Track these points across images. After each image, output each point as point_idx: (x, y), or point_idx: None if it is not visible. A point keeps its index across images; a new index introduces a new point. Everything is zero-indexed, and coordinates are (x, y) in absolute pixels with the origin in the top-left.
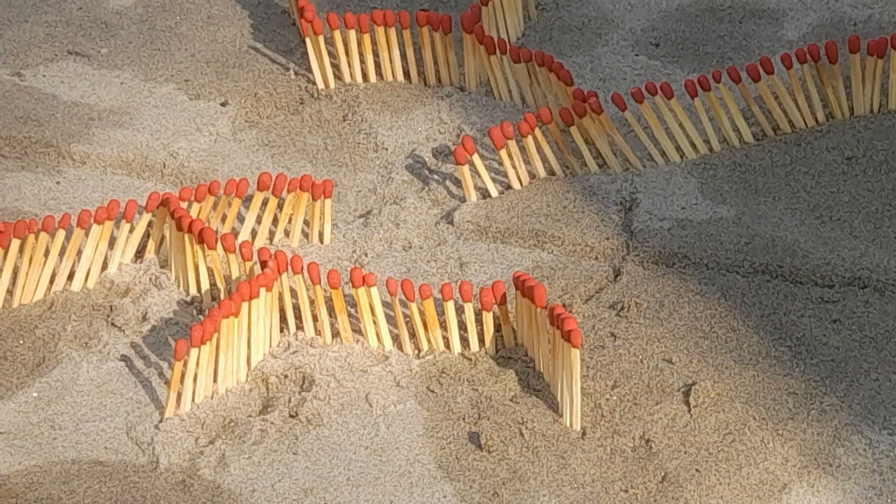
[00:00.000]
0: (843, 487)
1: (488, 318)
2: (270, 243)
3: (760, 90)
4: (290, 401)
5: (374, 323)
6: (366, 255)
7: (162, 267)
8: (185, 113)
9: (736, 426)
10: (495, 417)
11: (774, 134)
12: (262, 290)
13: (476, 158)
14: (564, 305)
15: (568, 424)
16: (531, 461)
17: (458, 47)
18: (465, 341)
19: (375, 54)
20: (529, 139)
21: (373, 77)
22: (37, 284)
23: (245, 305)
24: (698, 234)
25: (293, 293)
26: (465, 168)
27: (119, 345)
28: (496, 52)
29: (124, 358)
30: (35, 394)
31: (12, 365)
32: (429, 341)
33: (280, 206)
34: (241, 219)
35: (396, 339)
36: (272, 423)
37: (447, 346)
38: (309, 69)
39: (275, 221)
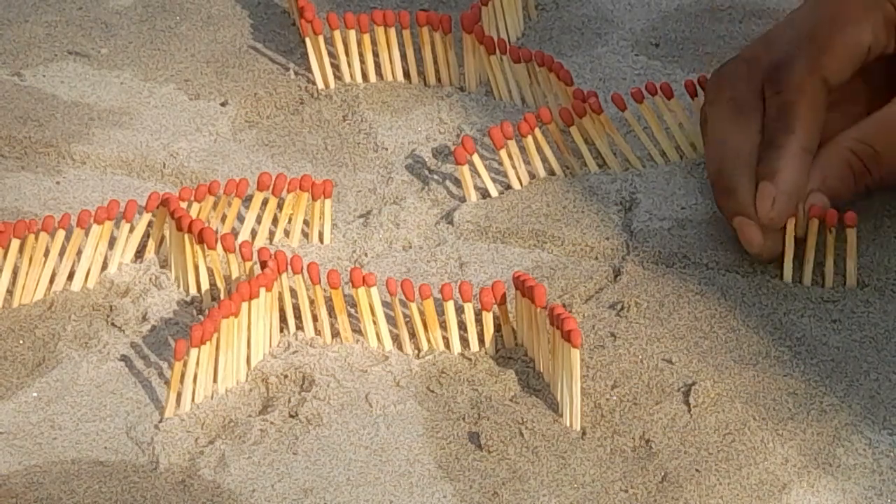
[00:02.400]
0: (843, 487)
1: (488, 318)
2: (270, 243)
3: None
4: (289, 401)
5: (374, 323)
6: (366, 255)
7: (162, 267)
8: (185, 113)
9: (736, 426)
10: (495, 417)
11: None
12: (262, 290)
13: (476, 158)
14: (564, 305)
15: (568, 424)
16: (531, 461)
17: (458, 47)
18: (464, 341)
19: (375, 54)
20: (529, 139)
21: (373, 77)
22: (37, 284)
23: (245, 305)
24: (698, 234)
25: (293, 293)
26: (465, 168)
27: (119, 345)
28: (496, 52)
29: (124, 358)
30: (35, 394)
31: (12, 365)
32: (429, 341)
33: (280, 206)
34: (240, 219)
35: (396, 339)
36: (272, 423)
37: (447, 346)
38: (309, 69)
39: (275, 221)
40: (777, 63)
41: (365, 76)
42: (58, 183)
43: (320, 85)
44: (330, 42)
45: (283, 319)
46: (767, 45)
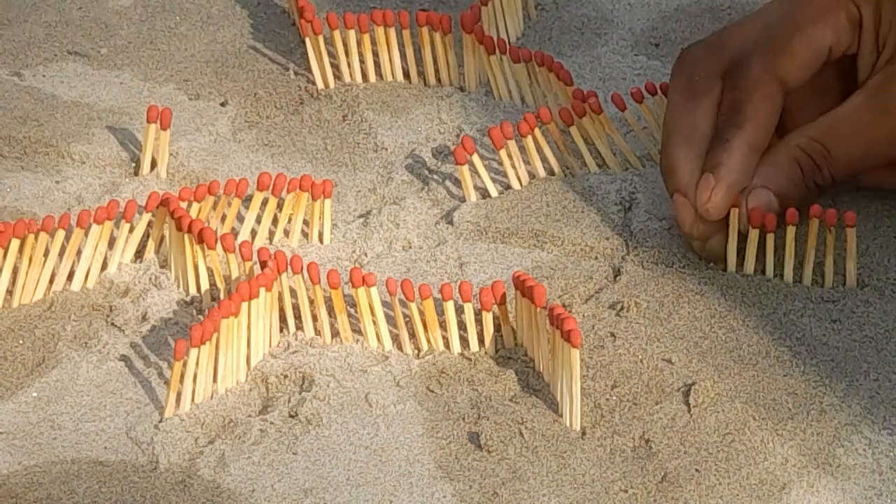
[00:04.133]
0: (842, 487)
1: (488, 318)
2: (270, 243)
3: None
4: (289, 401)
5: (374, 323)
6: (365, 255)
7: (162, 267)
8: (184, 113)
9: (736, 426)
10: (495, 417)
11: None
12: (262, 290)
13: (476, 158)
14: (564, 305)
15: (568, 424)
16: (531, 461)
17: (458, 47)
18: (464, 341)
19: (375, 54)
20: (529, 139)
21: (373, 77)
22: (36, 284)
23: (245, 305)
24: None
25: (293, 293)
26: (465, 168)
27: (119, 345)
28: (496, 52)
29: (124, 358)
30: (35, 394)
31: (12, 365)
32: (428, 341)
33: (280, 206)
34: (240, 219)
35: (396, 339)
36: (272, 423)
37: (447, 346)
38: (309, 69)
39: (274, 221)
40: (736, 60)
41: (365, 76)
42: (57, 182)
43: (320, 85)
44: (330, 42)
45: (282, 319)
46: (733, 36)
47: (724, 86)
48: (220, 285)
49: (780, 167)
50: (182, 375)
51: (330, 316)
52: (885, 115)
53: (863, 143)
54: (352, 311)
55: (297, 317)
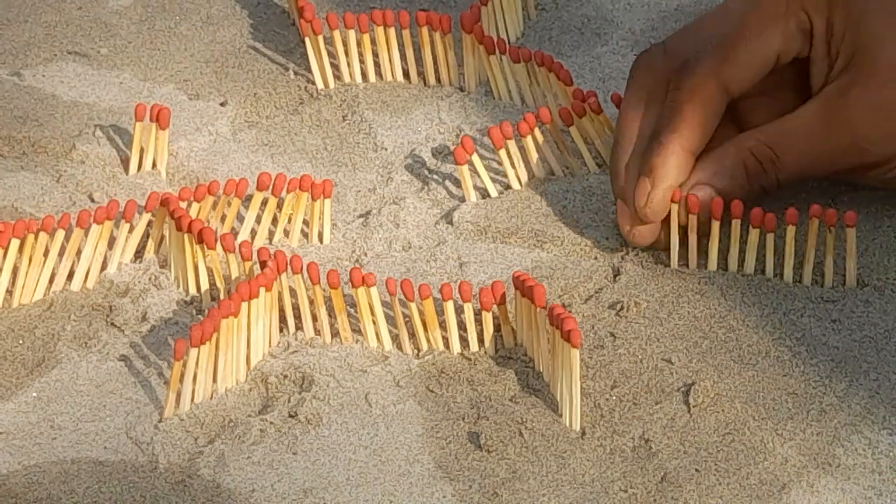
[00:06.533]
0: (842, 487)
1: (488, 318)
2: (270, 243)
3: None
4: (289, 401)
5: (374, 323)
6: (365, 255)
7: (161, 267)
8: (184, 113)
9: (735, 426)
10: (495, 417)
11: None
12: (262, 290)
13: (475, 158)
14: (564, 305)
15: (567, 424)
16: (531, 461)
17: (458, 47)
18: (464, 341)
19: (375, 54)
20: (529, 139)
21: (372, 77)
22: (36, 284)
23: (244, 305)
24: None
25: (292, 293)
26: (465, 168)
27: (118, 345)
28: (496, 52)
29: (124, 358)
30: (34, 394)
31: (12, 365)
32: (428, 341)
33: (279, 206)
34: (240, 219)
35: (396, 338)
36: (271, 423)
37: (447, 345)
38: (308, 69)
39: (274, 221)
40: (683, 62)
41: (364, 76)
42: (57, 182)
43: (320, 85)
44: (330, 42)
45: (282, 319)
46: (685, 40)
47: (669, 88)
48: (220, 285)
49: (725, 166)
50: (182, 375)
51: (330, 316)
52: (835, 128)
53: (813, 152)
54: (352, 311)
55: (297, 317)
